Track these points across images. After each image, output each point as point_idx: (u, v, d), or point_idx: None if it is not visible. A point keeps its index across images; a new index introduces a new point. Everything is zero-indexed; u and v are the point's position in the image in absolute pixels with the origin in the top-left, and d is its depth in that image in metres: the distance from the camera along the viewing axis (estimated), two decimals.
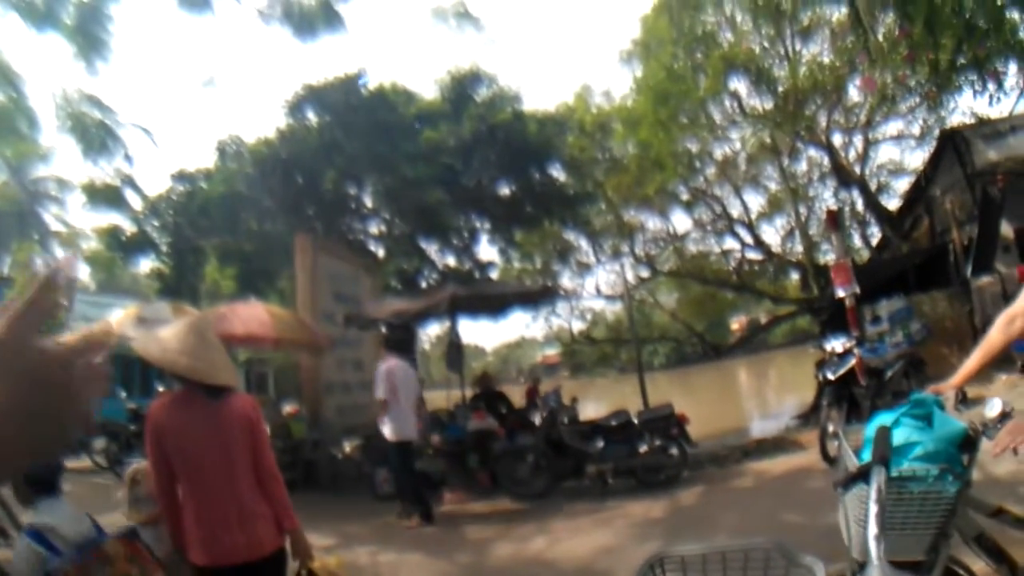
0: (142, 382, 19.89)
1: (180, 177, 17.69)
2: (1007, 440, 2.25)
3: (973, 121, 15.55)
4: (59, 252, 29.42)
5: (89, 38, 10.56)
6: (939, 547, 2.30)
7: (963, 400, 2.59)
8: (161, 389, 12.10)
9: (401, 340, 8.90)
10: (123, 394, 14.71)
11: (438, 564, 6.60)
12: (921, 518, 2.23)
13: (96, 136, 12.33)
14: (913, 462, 2.29)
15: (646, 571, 1.97)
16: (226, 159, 17.05)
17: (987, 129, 14.34)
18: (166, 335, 3.06)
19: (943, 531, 2.27)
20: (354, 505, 9.23)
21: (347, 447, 11.39)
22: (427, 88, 24.82)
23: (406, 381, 8.34)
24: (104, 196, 16.98)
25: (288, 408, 11.72)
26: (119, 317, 10.71)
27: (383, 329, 9.56)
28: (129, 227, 17.67)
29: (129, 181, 17.00)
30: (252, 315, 9.50)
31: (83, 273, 29.72)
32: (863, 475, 2.20)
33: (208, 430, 2.97)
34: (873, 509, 1.95)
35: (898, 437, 2.36)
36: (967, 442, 2.37)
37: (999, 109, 14.41)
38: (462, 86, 17.56)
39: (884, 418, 2.54)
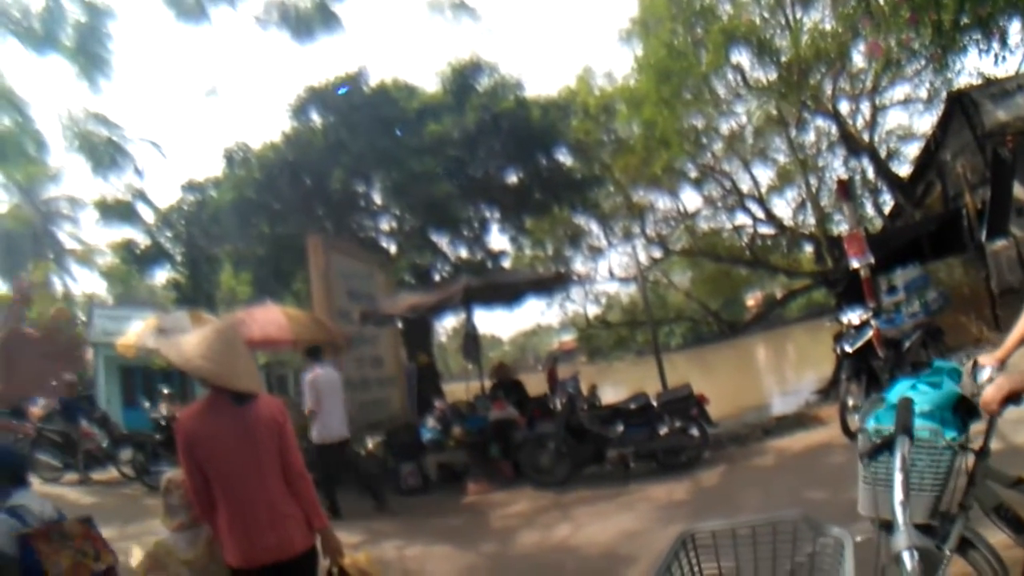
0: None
1: (190, 187, 17.83)
2: (990, 396, 2.32)
3: (980, 82, 15.36)
4: (75, 269, 29.76)
5: (90, 57, 10.65)
6: (955, 517, 2.36)
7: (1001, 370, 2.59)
8: (166, 391, 12.22)
9: (318, 348, 9.06)
10: (147, 404, 14.87)
11: (464, 555, 6.65)
12: (914, 476, 2.28)
13: (104, 153, 12.44)
14: None
15: (677, 547, 2.00)
16: (234, 166, 17.13)
17: (995, 89, 14.15)
18: (190, 340, 3.11)
19: (943, 495, 2.35)
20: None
21: (370, 444, 11.45)
22: (428, 81, 24.80)
23: (330, 386, 8.64)
24: (116, 211, 17.17)
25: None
26: (139, 328, 10.88)
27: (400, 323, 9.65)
28: (143, 240, 17.87)
29: (140, 195, 17.20)
30: (269, 318, 9.62)
31: (100, 287, 30.10)
32: (887, 445, 2.23)
33: (237, 435, 3.02)
34: (898, 477, 1.98)
35: (895, 398, 2.44)
36: (963, 406, 2.45)
37: (1005, 68, 14.25)
38: (463, 77, 17.51)
39: (903, 385, 2.58)
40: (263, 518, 3.01)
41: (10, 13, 10.25)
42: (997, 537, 2.48)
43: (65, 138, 12.05)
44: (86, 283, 52.29)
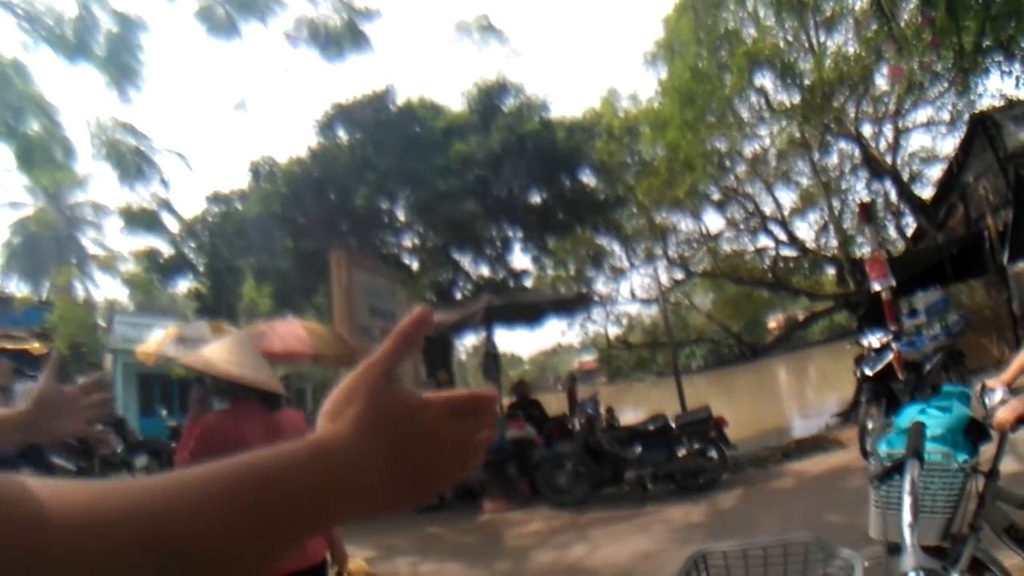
0: (182, 401, 20.20)
1: (215, 199, 18.04)
2: (1004, 415, 2.39)
3: (1002, 103, 15.27)
4: (97, 275, 30.05)
5: (121, 68, 10.81)
6: (966, 538, 2.36)
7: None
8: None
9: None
10: (164, 412, 14.96)
11: (478, 573, 6.65)
12: (926, 499, 2.29)
13: (132, 162, 12.61)
14: None
15: (689, 568, 2.02)
16: (260, 179, 17.33)
17: (1017, 110, 14.09)
18: (223, 350, 3.12)
19: (954, 517, 2.37)
20: (393, 517, 9.30)
21: None
22: (454, 101, 24.95)
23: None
24: (141, 220, 17.39)
25: None
26: (159, 337, 11.00)
27: None
28: (167, 249, 18.07)
29: (166, 205, 17.40)
30: (290, 332, 9.67)
31: (121, 294, 30.44)
32: (897, 468, 2.25)
33: (270, 441, 3.04)
34: (907, 500, 2.01)
35: (904, 422, 2.47)
36: (974, 428, 2.49)
37: None
38: (489, 97, 17.64)
39: (913, 409, 2.61)
40: None
41: (43, 20, 10.44)
42: (1012, 560, 2.47)
43: (93, 146, 12.21)
44: (108, 289, 52.79)
